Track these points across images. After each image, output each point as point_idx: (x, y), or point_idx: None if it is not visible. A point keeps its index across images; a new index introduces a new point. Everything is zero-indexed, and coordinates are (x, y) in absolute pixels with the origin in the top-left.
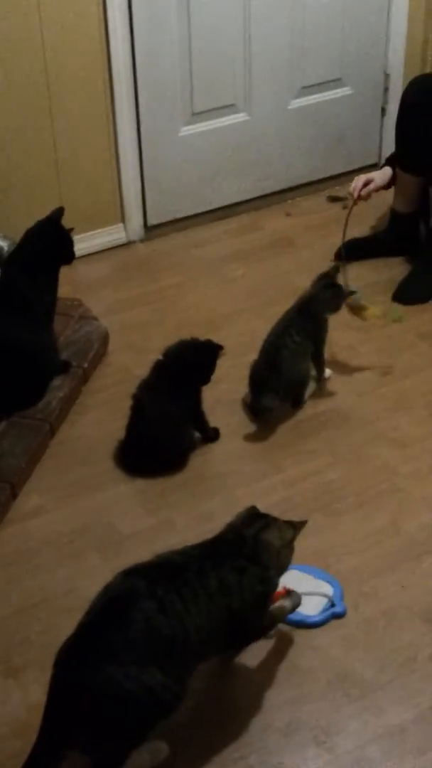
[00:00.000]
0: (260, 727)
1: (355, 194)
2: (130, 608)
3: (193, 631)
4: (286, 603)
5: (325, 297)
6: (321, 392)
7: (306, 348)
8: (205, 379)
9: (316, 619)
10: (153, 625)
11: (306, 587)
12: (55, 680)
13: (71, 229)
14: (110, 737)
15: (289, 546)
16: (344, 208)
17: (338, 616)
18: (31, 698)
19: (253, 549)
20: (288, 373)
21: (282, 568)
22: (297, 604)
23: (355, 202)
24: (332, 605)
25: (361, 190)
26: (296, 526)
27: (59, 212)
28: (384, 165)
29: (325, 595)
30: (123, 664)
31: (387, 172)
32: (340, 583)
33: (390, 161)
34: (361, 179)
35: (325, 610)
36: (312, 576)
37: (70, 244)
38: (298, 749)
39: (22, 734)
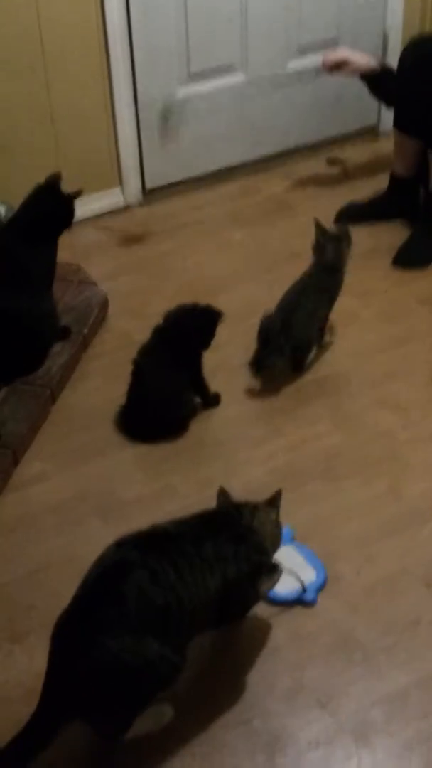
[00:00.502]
0: (263, 691)
1: (325, 66)
2: (123, 580)
3: (187, 600)
4: (273, 576)
5: (342, 249)
6: (320, 357)
7: (319, 310)
8: (205, 344)
9: (280, 596)
10: (147, 596)
11: (289, 565)
12: (53, 654)
13: (79, 192)
14: (111, 708)
15: (278, 525)
16: (343, 171)
17: (305, 603)
18: (37, 664)
19: (250, 521)
20: (298, 334)
21: (275, 546)
22: (278, 580)
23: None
24: (303, 591)
25: (332, 65)
26: (275, 504)
27: (56, 177)
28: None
29: (300, 581)
30: (119, 637)
31: (369, 59)
32: (327, 574)
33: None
34: (339, 54)
35: (294, 591)
36: (303, 558)
37: (70, 208)
38: (301, 713)
39: (27, 700)
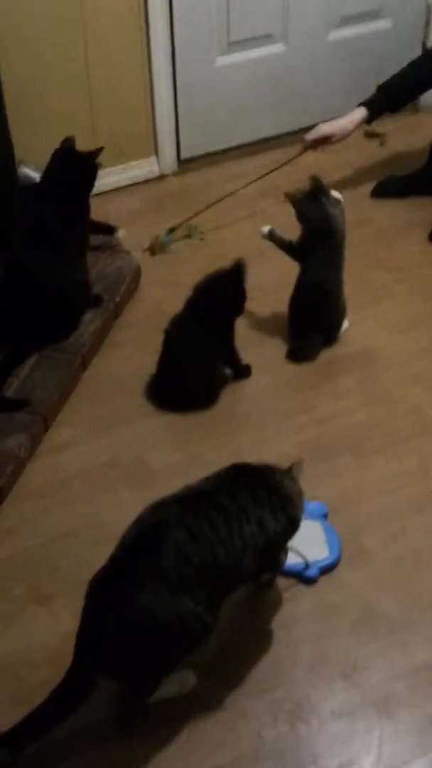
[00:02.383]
0: (287, 660)
1: (307, 143)
2: (160, 538)
3: (223, 557)
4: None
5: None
6: (352, 332)
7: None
8: (239, 306)
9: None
10: (184, 554)
11: (307, 538)
12: (88, 610)
13: (98, 150)
14: (143, 665)
15: (301, 494)
16: (381, 144)
17: (304, 578)
18: (62, 627)
19: (282, 480)
20: (331, 315)
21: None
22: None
23: (303, 150)
24: (306, 566)
25: (313, 143)
26: (294, 474)
27: (70, 141)
28: (358, 107)
29: (303, 557)
30: (156, 593)
31: (354, 118)
32: (339, 558)
33: (367, 104)
34: (319, 132)
35: (296, 564)
36: (324, 536)
37: (89, 167)
38: (324, 683)
39: (52, 662)
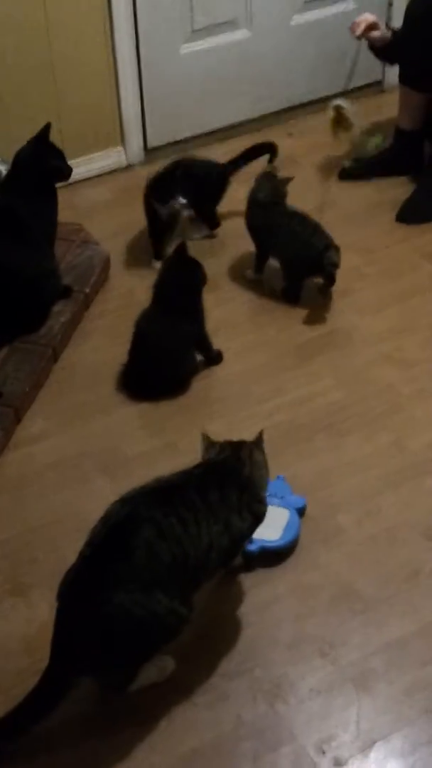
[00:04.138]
0: (265, 641)
1: (358, 32)
2: (130, 536)
3: (193, 551)
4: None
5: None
6: (323, 314)
7: None
8: (198, 278)
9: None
10: (154, 550)
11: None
12: (62, 611)
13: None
14: (119, 662)
15: (265, 466)
16: (346, 129)
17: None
18: (39, 616)
19: (250, 468)
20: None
21: (265, 487)
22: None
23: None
24: (250, 541)
25: (364, 31)
26: (260, 445)
27: (46, 128)
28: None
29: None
30: (129, 592)
31: (387, 34)
32: (289, 544)
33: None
34: (368, 18)
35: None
36: (285, 519)
37: (62, 158)
38: (303, 661)
39: (30, 651)
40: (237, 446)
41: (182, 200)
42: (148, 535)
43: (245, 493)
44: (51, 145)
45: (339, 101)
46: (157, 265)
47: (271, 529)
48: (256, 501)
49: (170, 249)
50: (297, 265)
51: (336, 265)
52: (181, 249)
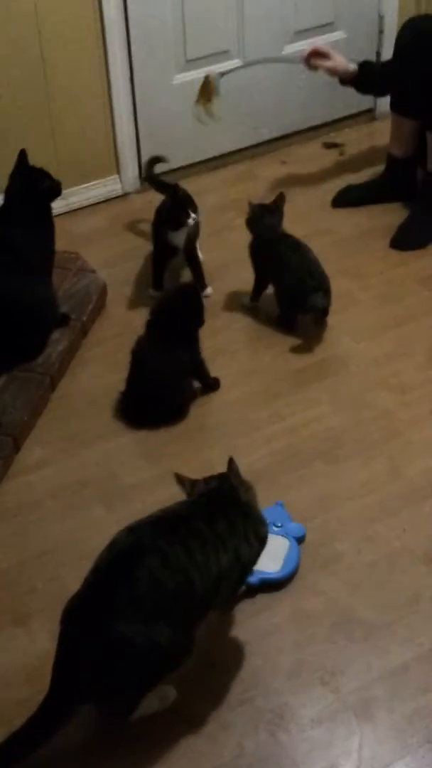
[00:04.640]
0: (266, 669)
1: (305, 55)
2: (134, 565)
3: (198, 582)
4: None
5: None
6: (319, 340)
7: None
8: (198, 320)
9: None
10: (158, 581)
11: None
12: (64, 639)
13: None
14: (120, 691)
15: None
16: (340, 154)
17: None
18: (40, 646)
19: (246, 493)
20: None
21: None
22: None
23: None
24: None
25: (309, 57)
26: (235, 472)
27: (22, 155)
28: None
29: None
30: (131, 623)
31: (351, 66)
32: (289, 575)
33: (361, 66)
34: (315, 48)
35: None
36: (285, 549)
37: (49, 177)
38: (304, 690)
39: (31, 681)
40: (222, 475)
41: (194, 216)
42: (153, 565)
43: (249, 519)
44: (33, 168)
45: (213, 74)
46: (154, 293)
47: (271, 559)
48: (259, 523)
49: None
50: (287, 300)
51: (320, 310)
52: (187, 286)
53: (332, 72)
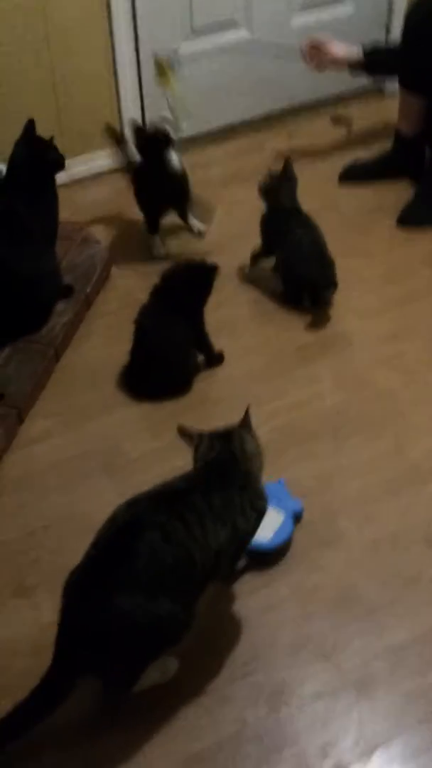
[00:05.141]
0: (267, 644)
1: (303, 49)
2: (134, 539)
3: (198, 556)
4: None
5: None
6: (323, 317)
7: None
8: (202, 300)
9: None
10: (158, 555)
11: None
12: (65, 612)
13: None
14: (122, 664)
15: (259, 447)
16: (348, 131)
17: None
18: (43, 617)
19: (244, 461)
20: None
21: (262, 470)
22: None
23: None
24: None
25: (310, 56)
26: (247, 423)
27: (31, 124)
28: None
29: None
30: (131, 596)
31: (353, 50)
32: (277, 547)
33: (369, 52)
34: (317, 40)
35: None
36: (278, 522)
37: (54, 148)
38: (304, 666)
39: (35, 652)
40: (226, 437)
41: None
42: (152, 539)
43: (246, 491)
44: (40, 139)
45: (160, 55)
46: (158, 251)
47: (263, 530)
48: (257, 497)
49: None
50: (291, 279)
51: (321, 297)
52: (205, 263)
53: (337, 64)
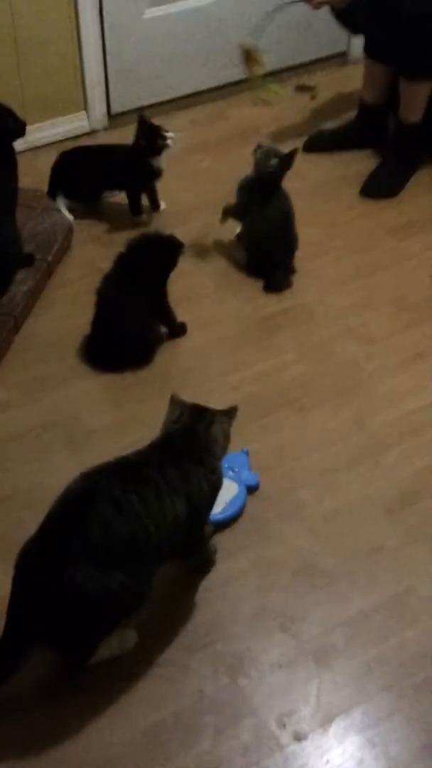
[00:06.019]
0: (227, 615)
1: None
2: (88, 511)
3: (153, 529)
4: None
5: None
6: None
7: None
8: (166, 273)
9: None
10: (111, 527)
11: None
12: (17, 583)
13: None
14: (76, 636)
15: (227, 437)
16: (312, 98)
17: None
18: (1, 590)
19: (205, 441)
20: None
21: (224, 455)
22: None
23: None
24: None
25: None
26: (231, 415)
27: None
28: None
29: None
30: (83, 568)
31: None
32: (229, 519)
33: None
34: None
35: None
36: (232, 493)
37: (12, 115)
38: (264, 636)
39: None
40: (197, 415)
41: (171, 134)
42: (106, 511)
43: (200, 466)
44: None
45: (245, 41)
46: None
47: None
48: (210, 472)
49: None
50: (254, 252)
51: (281, 281)
52: (155, 236)
53: (337, 3)
